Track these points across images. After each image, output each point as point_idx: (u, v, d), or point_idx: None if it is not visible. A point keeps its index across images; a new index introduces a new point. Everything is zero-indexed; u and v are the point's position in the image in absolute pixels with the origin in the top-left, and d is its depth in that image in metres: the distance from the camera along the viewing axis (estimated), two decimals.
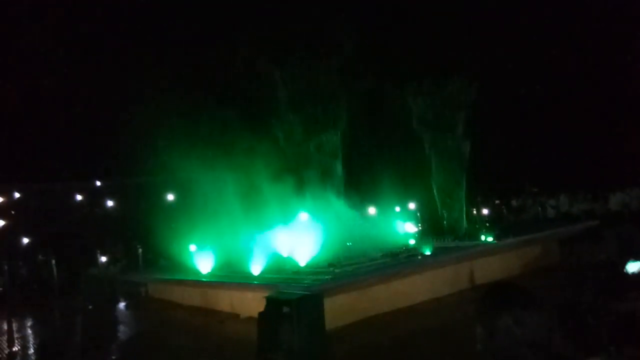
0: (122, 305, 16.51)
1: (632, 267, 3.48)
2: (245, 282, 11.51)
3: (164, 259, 18.53)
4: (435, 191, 16.70)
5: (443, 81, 17.72)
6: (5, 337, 13.68)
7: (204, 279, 13.26)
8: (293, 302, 7.69)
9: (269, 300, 8.13)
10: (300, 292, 8.32)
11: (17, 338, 13.55)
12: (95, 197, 26.86)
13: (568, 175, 21.46)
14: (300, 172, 15.34)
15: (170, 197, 24.70)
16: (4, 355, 11.48)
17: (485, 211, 13.94)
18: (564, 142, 22.95)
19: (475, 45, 22.87)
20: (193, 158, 16.96)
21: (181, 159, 16.39)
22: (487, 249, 12.60)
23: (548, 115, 23.69)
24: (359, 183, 17.04)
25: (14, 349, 11.93)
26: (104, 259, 20.94)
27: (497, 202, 21.54)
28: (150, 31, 23.27)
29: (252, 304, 9.59)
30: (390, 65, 21.82)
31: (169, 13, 23.28)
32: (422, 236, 14.02)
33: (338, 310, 9.17)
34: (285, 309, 7.73)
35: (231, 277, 12.44)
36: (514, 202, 21.60)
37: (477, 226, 13.83)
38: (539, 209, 20.34)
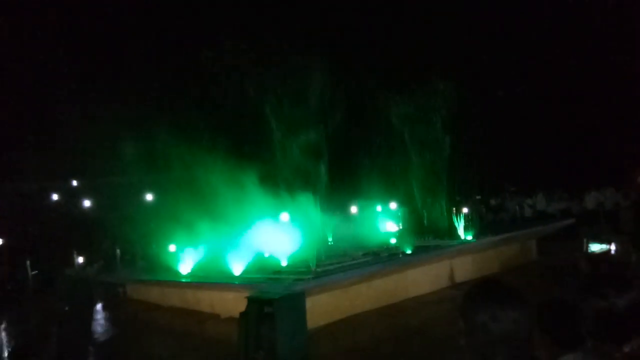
0: (99, 306, 16.22)
1: (594, 247, 3.59)
2: (225, 282, 11.43)
3: (142, 259, 18.28)
4: (415, 191, 16.84)
5: (425, 80, 17.89)
6: None
7: (183, 280, 13.12)
8: (275, 301, 7.65)
9: (251, 300, 8.07)
10: (282, 291, 8.29)
11: None
12: (70, 197, 26.37)
13: (545, 175, 21.89)
14: (282, 172, 15.29)
15: (149, 197, 24.39)
16: None
17: (464, 210, 14.09)
18: (541, 143, 23.40)
19: (456, 46, 23.16)
20: (172, 157, 16.78)
21: (159, 158, 16.20)
22: (466, 247, 12.76)
23: (526, 116, 24.13)
24: (341, 182, 17.07)
25: None
26: (80, 259, 20.55)
27: (476, 200, 21.80)
28: (133, 30, 23.00)
29: (233, 304, 9.51)
30: (374, 62, 21.92)
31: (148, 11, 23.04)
32: (403, 235, 14.11)
33: (320, 309, 9.17)
34: (267, 309, 7.69)
35: (211, 278, 12.33)
36: (492, 201, 21.89)
37: (456, 225, 13.97)
38: (517, 208, 20.67)
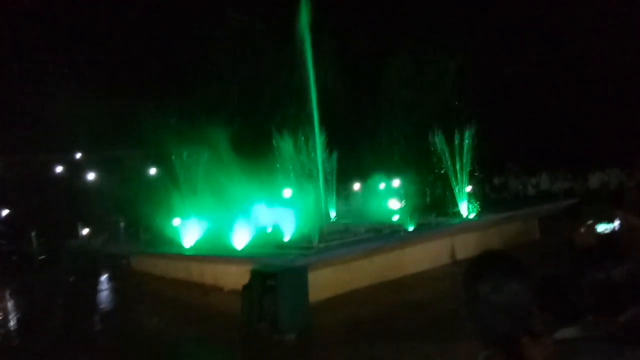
0: (104, 277, 16.45)
1: (601, 227, 3.60)
2: (229, 256, 11.55)
3: (146, 232, 18.43)
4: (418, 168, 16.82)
5: (430, 56, 17.69)
6: None
7: (187, 252, 13.27)
8: (277, 274, 7.76)
9: (254, 273, 8.19)
10: (285, 265, 8.39)
11: None
12: (75, 169, 26.47)
13: (549, 155, 21.80)
14: (286, 148, 15.26)
15: (153, 170, 24.46)
16: None
17: (468, 188, 14.09)
18: (545, 122, 23.23)
19: (465, 25, 22.82)
20: (178, 132, 16.77)
21: (165, 132, 16.20)
22: (468, 225, 12.82)
23: (531, 95, 23.89)
24: (345, 159, 17.04)
25: None
26: (85, 231, 20.75)
27: (479, 178, 21.79)
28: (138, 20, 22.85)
29: (236, 277, 9.64)
30: (382, 37, 21.63)
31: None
32: (405, 212, 14.15)
33: (322, 283, 9.28)
34: (270, 282, 7.80)
35: (215, 251, 12.46)
36: (495, 180, 21.87)
37: (459, 203, 14.00)
38: (520, 187, 20.65)
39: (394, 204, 16.31)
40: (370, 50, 22.04)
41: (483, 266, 1.71)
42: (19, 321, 11.55)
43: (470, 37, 22.68)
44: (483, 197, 16.98)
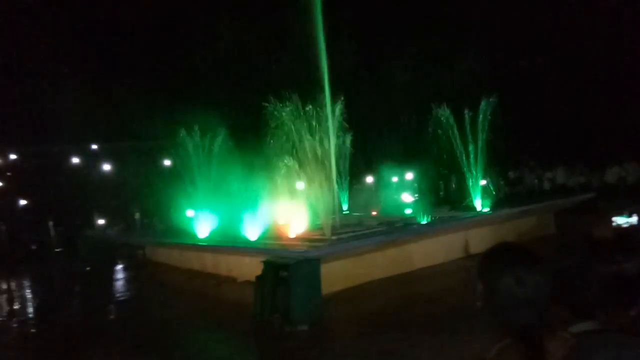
0: (119, 267, 16.69)
1: (619, 220, 3.55)
2: (242, 247, 11.63)
3: (161, 222, 18.63)
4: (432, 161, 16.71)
5: (445, 49, 17.48)
6: (5, 296, 13.89)
7: (201, 243, 13.38)
8: (290, 266, 7.79)
9: (267, 264, 8.23)
10: (298, 257, 8.42)
11: (16, 297, 13.77)
12: (91, 160, 26.80)
13: (565, 148, 21.48)
14: (299, 140, 15.23)
15: (168, 161, 24.64)
16: (4, 313, 11.66)
17: (482, 182, 13.97)
18: (562, 115, 22.86)
19: (478, 17, 22.53)
20: (193, 123, 16.82)
21: (180, 123, 16.28)
22: (482, 219, 12.71)
23: (547, 87, 23.53)
24: (359, 151, 16.99)
25: (13, 307, 12.13)
26: (101, 221, 21.05)
27: (494, 172, 21.59)
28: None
29: (249, 268, 9.70)
30: (395, 27, 21.46)
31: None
32: (418, 205, 14.09)
33: (334, 276, 9.29)
34: (283, 273, 7.84)
35: (228, 242, 12.55)
36: (510, 174, 21.65)
37: (473, 197, 13.90)
38: (536, 181, 20.42)
39: (407, 197, 16.26)
40: (384, 40, 21.90)
41: (503, 258, 1.67)
42: (37, 309, 11.78)
43: (487, 28, 22.40)
44: (498, 191, 16.81)
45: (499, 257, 1.69)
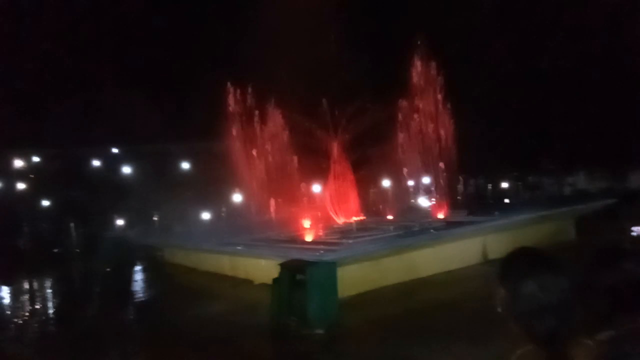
0: (138, 268, 16.91)
1: (637, 229, 3.50)
2: (259, 249, 11.70)
3: (179, 225, 18.84)
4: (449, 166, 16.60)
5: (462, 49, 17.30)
6: (27, 296, 14.19)
7: (219, 246, 13.50)
8: (307, 269, 7.81)
9: (283, 267, 8.26)
10: (314, 260, 8.44)
11: (38, 297, 14.05)
12: (112, 163, 27.22)
13: (587, 153, 21.09)
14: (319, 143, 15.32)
15: (186, 165, 24.92)
16: (27, 312, 11.91)
17: (504, 185, 13.86)
18: (584, 118, 22.46)
19: (500, 16, 22.32)
20: (209, 127, 17.01)
21: (202, 129, 16.48)
22: (500, 224, 12.58)
23: (568, 91, 23.16)
24: (376, 155, 16.98)
25: (35, 306, 12.38)
26: (121, 223, 21.35)
27: (513, 177, 21.35)
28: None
29: (266, 271, 9.75)
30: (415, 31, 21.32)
31: None
32: (436, 209, 14.03)
33: (350, 279, 9.28)
34: (299, 276, 7.87)
35: (246, 244, 12.64)
36: (530, 179, 21.40)
37: (491, 201, 13.79)
38: (556, 186, 20.15)
39: (425, 201, 16.19)
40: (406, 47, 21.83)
41: (525, 263, 1.64)
42: (58, 308, 12.01)
43: (505, 28, 22.17)
44: (517, 196, 16.64)
45: (520, 262, 1.66)
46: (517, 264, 1.66)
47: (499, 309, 1.64)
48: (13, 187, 25.58)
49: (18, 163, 26.55)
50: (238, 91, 19.69)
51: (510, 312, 1.60)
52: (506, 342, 1.70)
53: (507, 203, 13.48)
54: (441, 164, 16.99)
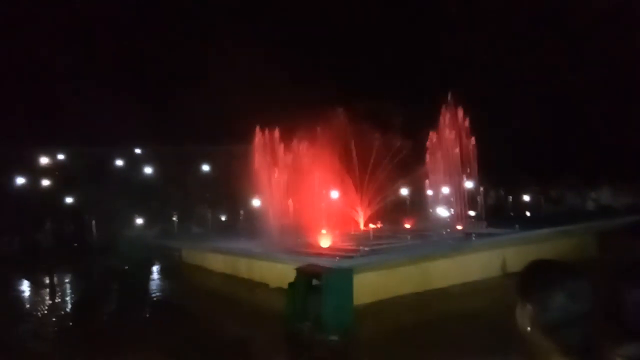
0: (156, 267, 17.09)
1: None
2: (275, 254, 11.72)
3: (197, 226, 19.01)
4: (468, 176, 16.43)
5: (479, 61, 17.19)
6: (47, 290, 14.46)
7: (236, 249, 13.57)
8: (323, 275, 7.80)
9: (299, 272, 8.26)
10: (331, 266, 8.42)
11: (58, 292, 14.31)
12: (134, 163, 27.63)
13: (611, 167, 20.64)
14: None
15: (206, 167, 25.15)
16: (47, 306, 12.14)
17: (525, 197, 13.66)
18: (609, 131, 22.01)
19: (526, 29, 22.13)
20: (235, 132, 17.12)
21: (223, 132, 16.61)
22: (521, 237, 12.39)
23: (593, 101, 22.73)
24: (393, 164, 16.90)
25: (55, 301, 12.61)
26: (140, 222, 21.63)
27: (534, 190, 21.00)
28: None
29: (282, 275, 9.76)
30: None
31: None
32: (455, 220, 13.89)
33: (366, 287, 9.22)
34: (315, 281, 7.85)
35: (262, 248, 12.68)
36: (552, 193, 21.04)
37: (511, 214, 13.60)
38: (579, 200, 19.77)
39: (443, 211, 16.04)
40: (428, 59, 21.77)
41: (549, 273, 1.58)
42: (76, 305, 12.19)
43: (531, 43, 21.95)
44: (538, 210, 16.37)
45: (544, 273, 1.60)
46: (541, 275, 1.61)
47: (523, 325, 1.59)
48: (38, 183, 26.16)
49: (44, 160, 27.16)
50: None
51: (540, 326, 1.55)
52: (524, 358, 1.66)
53: (528, 216, 13.23)
54: (463, 176, 16.87)
